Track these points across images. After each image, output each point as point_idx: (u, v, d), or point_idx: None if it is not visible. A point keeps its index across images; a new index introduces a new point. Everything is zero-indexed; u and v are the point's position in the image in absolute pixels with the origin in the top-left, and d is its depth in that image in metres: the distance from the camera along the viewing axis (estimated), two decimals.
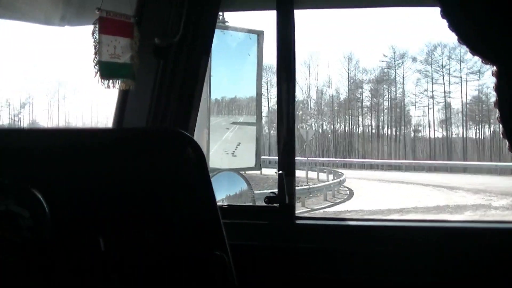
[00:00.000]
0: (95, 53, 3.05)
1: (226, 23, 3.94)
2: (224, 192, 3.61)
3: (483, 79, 48.98)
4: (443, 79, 50.70)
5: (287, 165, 3.31)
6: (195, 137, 3.54)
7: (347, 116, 53.58)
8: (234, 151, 4.27)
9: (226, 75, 4.26)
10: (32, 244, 1.71)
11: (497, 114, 2.53)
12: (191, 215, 1.89)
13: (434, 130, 51.07)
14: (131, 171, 1.86)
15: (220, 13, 3.74)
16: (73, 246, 1.76)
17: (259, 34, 4.02)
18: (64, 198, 1.78)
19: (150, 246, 1.81)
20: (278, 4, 3.32)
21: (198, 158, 1.88)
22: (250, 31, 4.03)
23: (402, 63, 51.67)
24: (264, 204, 3.31)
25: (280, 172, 3.29)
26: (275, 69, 3.38)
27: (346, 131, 53.71)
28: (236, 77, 4.45)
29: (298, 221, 3.27)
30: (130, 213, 1.83)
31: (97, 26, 3.05)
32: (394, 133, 51.59)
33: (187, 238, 1.86)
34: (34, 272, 1.72)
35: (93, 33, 3.06)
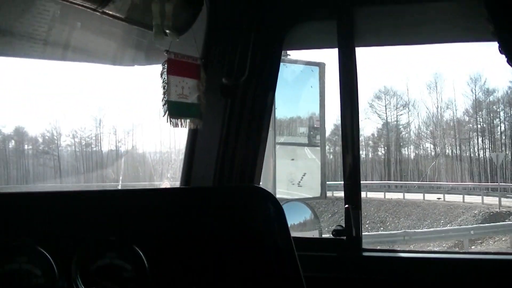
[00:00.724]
0: (164, 93, 3.15)
1: (288, 56, 4.04)
2: (291, 222, 3.69)
3: None
4: None
5: (353, 199, 3.39)
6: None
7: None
8: (300, 182, 4.37)
9: (290, 107, 4.37)
10: None
11: None
12: (273, 265, 2.02)
13: None
14: (219, 226, 2.00)
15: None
16: None
17: (321, 66, 4.12)
18: (161, 252, 1.94)
19: None
20: (340, 43, 3.41)
21: (278, 212, 2.01)
22: (312, 63, 4.13)
23: None
24: (331, 236, 3.39)
25: (347, 206, 3.36)
26: None
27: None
28: (300, 109, 4.56)
29: (365, 253, 3.33)
30: (220, 263, 1.97)
31: (166, 67, 3.17)
32: None
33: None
34: None
35: (161, 74, 3.16)
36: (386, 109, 47.68)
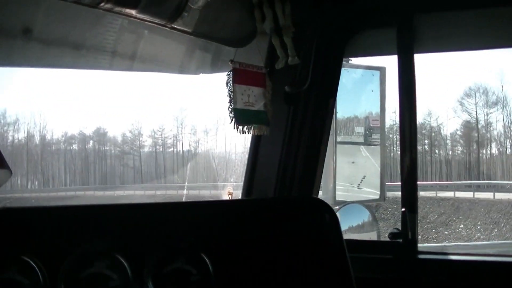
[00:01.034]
0: (230, 101, 3.28)
1: (350, 61, 4.13)
2: (349, 224, 3.82)
3: None
4: None
5: (410, 202, 3.47)
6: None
7: None
8: (359, 184, 4.48)
9: (350, 110, 4.49)
10: None
11: None
12: (326, 270, 2.19)
13: None
14: (278, 235, 2.19)
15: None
16: None
17: (381, 70, 4.21)
18: (224, 259, 2.15)
19: None
20: (400, 50, 3.50)
21: (333, 222, 2.18)
22: (373, 68, 4.23)
23: None
24: (388, 239, 3.49)
25: (403, 209, 3.44)
26: None
27: None
28: (360, 112, 4.67)
29: (421, 256, 3.42)
30: (277, 270, 2.16)
31: (231, 76, 3.29)
32: None
33: None
34: None
35: (227, 83, 3.29)
36: (476, 107, 46.10)
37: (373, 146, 4.74)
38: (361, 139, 4.77)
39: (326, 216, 2.22)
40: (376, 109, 4.44)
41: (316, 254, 2.21)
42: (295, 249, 2.21)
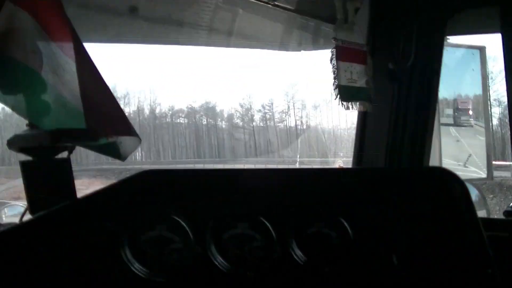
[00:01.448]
0: (334, 78, 3.31)
1: (448, 41, 4.06)
2: None
3: None
4: None
5: None
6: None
7: None
8: (465, 163, 4.38)
9: (451, 90, 4.41)
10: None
11: None
12: (460, 245, 2.09)
13: None
14: (412, 205, 2.11)
15: None
16: (369, 262, 2.06)
17: (481, 49, 4.11)
18: (361, 226, 2.09)
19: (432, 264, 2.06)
20: (504, 28, 3.38)
21: (464, 194, 2.08)
22: (472, 47, 4.13)
23: None
24: (503, 217, 3.38)
25: None
26: None
27: None
28: (460, 91, 4.60)
29: None
30: (414, 237, 2.08)
31: (334, 53, 3.31)
32: None
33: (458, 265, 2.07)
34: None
35: (331, 60, 3.32)
36: None
37: (463, 127, 4.72)
38: (451, 120, 4.76)
39: (457, 187, 2.12)
40: (478, 90, 4.38)
41: (450, 227, 2.13)
42: (428, 221, 2.13)
